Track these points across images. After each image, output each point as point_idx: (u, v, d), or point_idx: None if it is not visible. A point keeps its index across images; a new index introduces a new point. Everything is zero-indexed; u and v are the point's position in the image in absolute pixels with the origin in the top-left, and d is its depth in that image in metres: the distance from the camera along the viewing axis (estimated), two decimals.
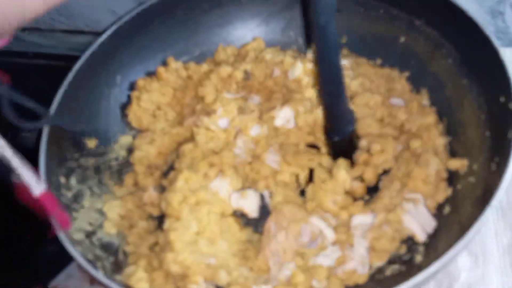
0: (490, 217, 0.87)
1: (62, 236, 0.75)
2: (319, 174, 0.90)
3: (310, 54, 0.99)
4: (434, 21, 0.93)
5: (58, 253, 0.75)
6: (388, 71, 0.98)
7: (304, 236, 0.84)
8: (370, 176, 0.88)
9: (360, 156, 0.90)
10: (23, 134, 1.08)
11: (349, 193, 0.88)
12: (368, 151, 0.90)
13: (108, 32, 1.01)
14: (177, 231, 0.81)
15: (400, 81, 0.97)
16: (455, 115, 0.89)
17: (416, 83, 0.98)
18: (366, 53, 1.04)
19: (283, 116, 0.93)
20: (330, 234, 0.82)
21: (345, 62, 0.99)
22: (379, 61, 1.03)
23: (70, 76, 0.95)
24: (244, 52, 1.07)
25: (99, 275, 0.73)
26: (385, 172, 0.89)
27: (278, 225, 0.86)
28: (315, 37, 0.72)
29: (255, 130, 0.94)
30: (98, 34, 1.01)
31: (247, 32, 1.15)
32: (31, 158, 0.75)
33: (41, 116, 0.78)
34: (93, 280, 0.75)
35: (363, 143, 0.91)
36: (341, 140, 0.88)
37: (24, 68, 1.39)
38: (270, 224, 0.88)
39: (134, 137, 1.04)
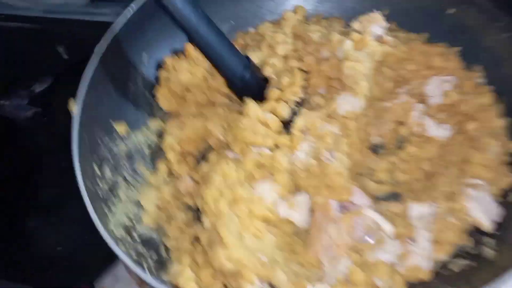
0: None
1: (106, 236, 0.69)
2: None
3: (355, 24, 0.92)
4: None
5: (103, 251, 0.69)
6: (442, 49, 0.91)
7: (359, 230, 0.79)
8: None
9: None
10: None
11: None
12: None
13: (133, 7, 0.93)
14: (226, 226, 0.75)
15: (452, 58, 0.91)
16: None
17: (468, 59, 0.91)
18: (412, 27, 0.97)
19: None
20: (388, 227, 0.77)
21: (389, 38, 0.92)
22: (425, 36, 0.97)
23: (95, 58, 0.87)
24: (285, 23, 1.01)
25: (148, 277, 0.68)
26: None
27: (326, 217, 0.81)
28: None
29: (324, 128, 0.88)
30: None
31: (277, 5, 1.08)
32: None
33: None
34: (141, 282, 0.70)
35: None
36: (244, 86, 0.89)
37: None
38: (318, 215, 0.82)
39: (163, 121, 0.98)
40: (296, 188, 0.86)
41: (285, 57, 0.95)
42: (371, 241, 0.78)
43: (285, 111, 0.89)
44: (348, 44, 0.87)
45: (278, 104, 0.89)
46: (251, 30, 1.06)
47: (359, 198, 0.83)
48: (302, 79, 0.92)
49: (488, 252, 0.73)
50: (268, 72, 0.94)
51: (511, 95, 0.84)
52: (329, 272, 0.77)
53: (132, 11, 0.92)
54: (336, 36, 0.89)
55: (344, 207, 0.82)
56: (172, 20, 0.76)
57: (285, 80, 0.91)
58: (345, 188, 0.83)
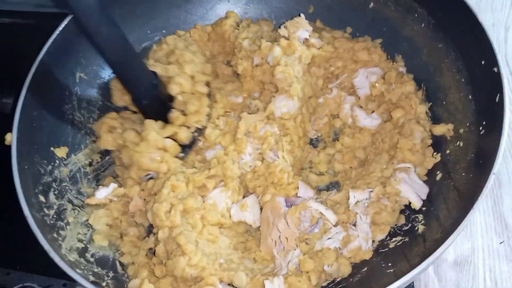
0: None
1: (61, 264, 0.69)
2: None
3: (282, 30, 0.95)
4: None
5: None
6: (365, 44, 0.96)
7: (305, 221, 0.84)
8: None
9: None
10: None
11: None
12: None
13: (57, 31, 0.91)
14: (183, 235, 0.78)
15: (375, 51, 0.96)
16: (434, 80, 0.90)
17: (389, 50, 0.97)
18: (335, 23, 1.02)
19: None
20: (331, 216, 0.82)
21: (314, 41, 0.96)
22: (349, 30, 1.02)
23: (27, 82, 0.85)
24: (220, 30, 1.04)
25: None
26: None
27: (275, 213, 0.85)
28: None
29: (264, 129, 0.91)
30: None
31: (193, 19, 1.10)
32: None
33: None
34: None
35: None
36: (150, 103, 0.89)
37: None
38: (267, 213, 0.86)
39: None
40: (245, 190, 0.90)
41: (192, 78, 0.96)
42: (317, 231, 0.82)
43: (186, 137, 0.92)
44: (277, 50, 0.91)
45: (180, 129, 0.91)
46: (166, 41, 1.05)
47: (304, 192, 0.88)
48: (207, 106, 0.94)
49: (418, 227, 0.80)
50: (174, 91, 0.93)
51: (429, 81, 0.91)
52: (281, 264, 0.81)
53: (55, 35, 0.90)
54: (265, 44, 0.92)
55: (291, 202, 0.87)
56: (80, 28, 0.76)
57: (191, 107, 0.92)
58: (290, 184, 0.87)
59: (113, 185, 0.91)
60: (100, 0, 0.72)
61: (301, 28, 0.92)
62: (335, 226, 0.82)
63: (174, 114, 0.91)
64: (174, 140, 0.91)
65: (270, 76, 0.92)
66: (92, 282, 0.71)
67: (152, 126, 0.88)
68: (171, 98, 0.92)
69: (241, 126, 0.91)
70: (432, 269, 0.87)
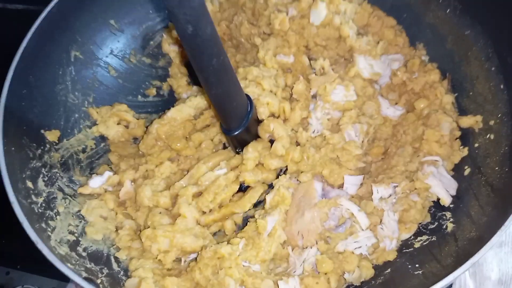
0: None
1: (50, 257, 0.61)
2: None
3: None
4: None
5: None
6: (393, 21, 0.90)
7: (332, 219, 0.76)
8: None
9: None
10: None
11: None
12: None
13: (52, 3, 0.83)
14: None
15: (402, 34, 0.89)
16: (459, 69, 0.84)
17: (411, 38, 0.91)
18: None
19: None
20: (363, 220, 0.74)
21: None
22: None
23: (17, 57, 0.78)
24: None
25: None
26: None
27: (307, 200, 0.78)
28: (186, 47, 0.61)
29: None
30: None
31: None
32: None
33: None
34: None
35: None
36: (240, 132, 0.79)
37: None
38: (299, 195, 0.79)
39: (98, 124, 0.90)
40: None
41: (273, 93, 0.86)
42: (341, 231, 0.75)
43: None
44: (322, 7, 0.83)
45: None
46: None
47: (350, 187, 0.81)
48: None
49: (446, 225, 0.73)
50: (263, 114, 0.84)
51: (454, 71, 0.84)
52: (295, 263, 0.73)
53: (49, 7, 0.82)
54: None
55: (326, 192, 0.80)
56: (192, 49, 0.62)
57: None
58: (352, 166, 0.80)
59: (107, 174, 0.84)
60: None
61: None
62: (364, 230, 0.75)
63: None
64: None
65: (313, 35, 0.85)
66: (85, 279, 0.63)
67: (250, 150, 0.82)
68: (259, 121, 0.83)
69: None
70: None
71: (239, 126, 0.78)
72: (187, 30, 0.56)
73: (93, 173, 0.85)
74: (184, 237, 0.75)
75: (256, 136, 0.83)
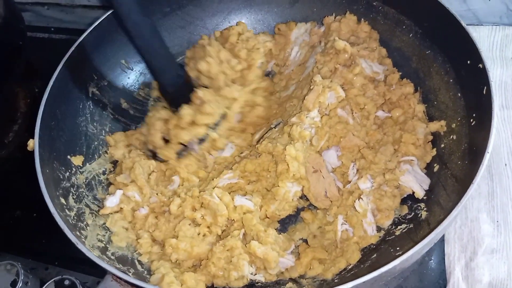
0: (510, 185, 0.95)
1: (89, 254, 0.73)
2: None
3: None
4: (391, 0, 1.01)
5: None
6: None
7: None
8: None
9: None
10: None
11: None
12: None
13: (72, 48, 0.98)
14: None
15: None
16: (424, 83, 0.98)
17: None
18: None
19: None
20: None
21: None
22: None
23: (46, 93, 0.91)
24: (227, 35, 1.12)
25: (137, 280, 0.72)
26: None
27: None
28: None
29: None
30: None
31: (207, 32, 1.17)
32: None
33: None
34: None
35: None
36: (175, 91, 0.98)
37: (46, 42, 1.45)
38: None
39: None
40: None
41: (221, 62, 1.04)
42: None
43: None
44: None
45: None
46: None
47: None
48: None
49: (421, 213, 0.86)
50: (202, 66, 1.00)
51: (420, 85, 0.98)
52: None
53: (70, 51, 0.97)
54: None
55: None
56: (121, 21, 0.87)
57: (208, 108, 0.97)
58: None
59: (119, 192, 0.94)
60: None
61: None
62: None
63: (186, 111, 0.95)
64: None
65: None
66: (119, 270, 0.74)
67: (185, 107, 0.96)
68: (191, 90, 0.97)
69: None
70: None
71: (170, 85, 0.97)
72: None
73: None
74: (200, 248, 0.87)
75: (188, 100, 0.97)
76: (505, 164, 0.97)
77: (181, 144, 0.96)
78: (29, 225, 1.11)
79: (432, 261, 0.92)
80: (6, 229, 1.12)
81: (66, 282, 0.93)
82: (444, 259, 0.91)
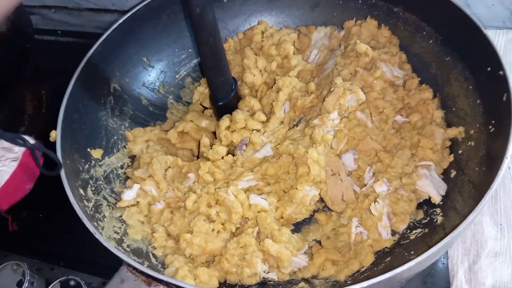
0: None
1: (106, 244, 0.74)
2: None
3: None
4: (412, 6, 1.02)
5: None
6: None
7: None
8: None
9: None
10: None
11: None
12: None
13: (97, 43, 1.00)
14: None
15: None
16: (443, 90, 0.98)
17: None
18: None
19: None
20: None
21: None
22: None
23: (70, 86, 0.93)
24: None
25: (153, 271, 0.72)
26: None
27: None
28: (192, 25, 0.88)
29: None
30: (124, 12, 1.05)
31: (228, 33, 1.19)
32: None
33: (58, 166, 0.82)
34: (149, 281, 0.74)
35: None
36: (224, 104, 1.02)
37: (52, 45, 1.49)
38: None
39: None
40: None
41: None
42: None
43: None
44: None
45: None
46: None
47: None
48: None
49: (437, 218, 0.85)
50: (248, 79, 1.06)
51: (439, 91, 0.99)
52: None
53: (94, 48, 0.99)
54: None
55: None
56: (196, 27, 0.87)
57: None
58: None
59: (136, 186, 0.95)
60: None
61: None
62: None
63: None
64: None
65: None
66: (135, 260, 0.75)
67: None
68: (239, 99, 1.05)
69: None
70: None
71: (223, 98, 1.00)
72: (196, 11, 0.82)
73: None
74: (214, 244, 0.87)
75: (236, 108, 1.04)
76: (509, 167, 0.97)
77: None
78: (35, 226, 1.13)
79: (435, 263, 0.92)
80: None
81: (72, 283, 0.95)
82: (447, 261, 0.91)
